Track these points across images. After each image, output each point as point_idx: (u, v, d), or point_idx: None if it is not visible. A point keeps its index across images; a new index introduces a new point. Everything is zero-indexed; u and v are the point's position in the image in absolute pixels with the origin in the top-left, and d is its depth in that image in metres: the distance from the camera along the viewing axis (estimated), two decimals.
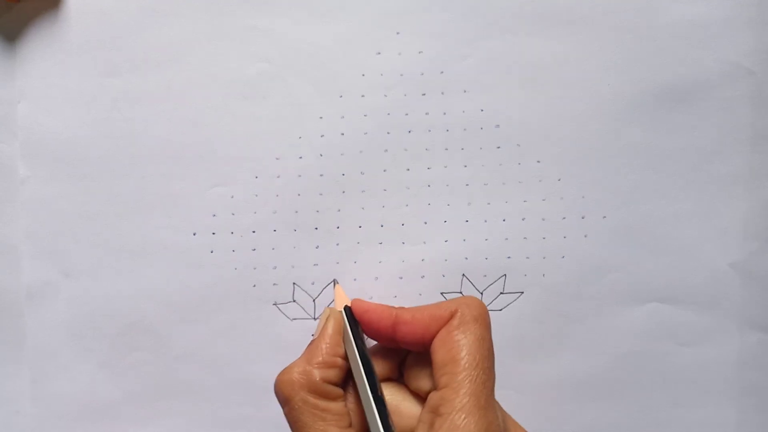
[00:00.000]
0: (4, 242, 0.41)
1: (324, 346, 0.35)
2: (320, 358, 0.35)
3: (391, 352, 0.37)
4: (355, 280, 0.41)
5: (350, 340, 0.36)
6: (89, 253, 0.41)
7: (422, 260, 0.41)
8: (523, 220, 0.41)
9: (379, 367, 0.37)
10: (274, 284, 0.41)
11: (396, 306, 0.36)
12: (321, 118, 0.40)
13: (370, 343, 0.37)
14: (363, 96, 0.40)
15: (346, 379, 0.35)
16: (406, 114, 0.40)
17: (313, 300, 0.41)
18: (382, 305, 0.36)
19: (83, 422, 0.42)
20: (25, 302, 0.41)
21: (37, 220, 0.40)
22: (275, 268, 0.41)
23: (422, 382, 0.35)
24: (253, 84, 0.40)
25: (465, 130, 0.40)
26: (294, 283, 0.41)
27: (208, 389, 0.42)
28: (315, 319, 0.41)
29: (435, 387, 0.33)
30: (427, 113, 0.40)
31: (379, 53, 0.40)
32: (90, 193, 0.40)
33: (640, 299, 0.41)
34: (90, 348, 0.41)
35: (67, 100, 0.40)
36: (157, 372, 0.41)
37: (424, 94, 0.40)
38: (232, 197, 0.40)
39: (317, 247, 0.41)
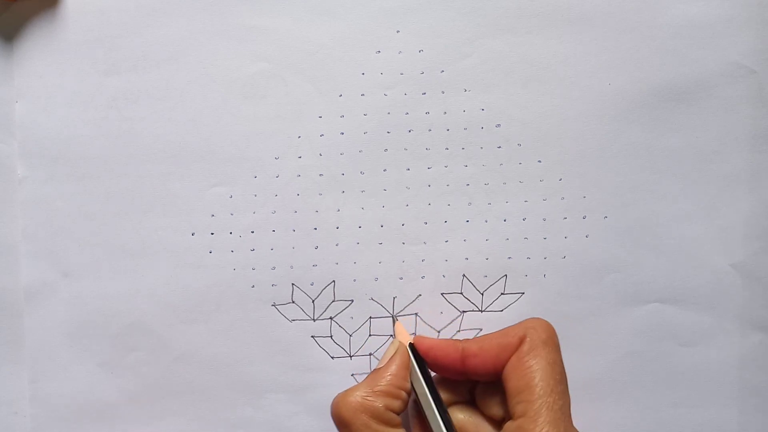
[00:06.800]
0: (2, 242, 0.40)
1: (389, 376, 0.35)
2: (384, 387, 0.34)
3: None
4: (354, 280, 0.41)
5: (418, 377, 0.36)
6: (88, 253, 0.40)
7: (422, 260, 0.41)
8: (524, 220, 0.41)
9: (452, 392, 0.37)
10: (273, 285, 0.41)
11: (459, 339, 0.36)
12: (320, 117, 0.40)
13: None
14: (363, 95, 0.40)
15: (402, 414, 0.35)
16: (407, 113, 0.40)
17: (312, 301, 0.41)
18: (446, 340, 0.36)
19: (82, 423, 0.41)
20: (24, 302, 0.41)
21: (35, 220, 0.40)
22: (274, 268, 0.41)
23: (495, 410, 0.35)
24: (252, 83, 0.40)
25: (466, 129, 0.40)
26: (293, 284, 0.41)
27: (206, 390, 0.42)
28: (314, 320, 0.41)
29: (510, 416, 0.33)
30: (427, 112, 0.40)
31: (379, 52, 0.40)
32: (88, 192, 0.40)
33: (641, 299, 0.41)
34: (89, 348, 0.41)
35: (65, 99, 0.40)
36: (156, 372, 0.41)
37: (424, 93, 0.40)
38: (231, 197, 0.40)
39: (316, 248, 0.41)
